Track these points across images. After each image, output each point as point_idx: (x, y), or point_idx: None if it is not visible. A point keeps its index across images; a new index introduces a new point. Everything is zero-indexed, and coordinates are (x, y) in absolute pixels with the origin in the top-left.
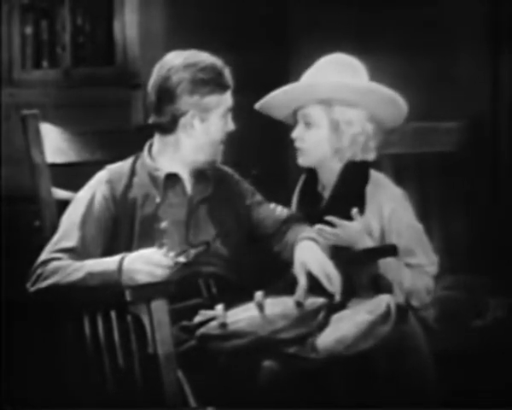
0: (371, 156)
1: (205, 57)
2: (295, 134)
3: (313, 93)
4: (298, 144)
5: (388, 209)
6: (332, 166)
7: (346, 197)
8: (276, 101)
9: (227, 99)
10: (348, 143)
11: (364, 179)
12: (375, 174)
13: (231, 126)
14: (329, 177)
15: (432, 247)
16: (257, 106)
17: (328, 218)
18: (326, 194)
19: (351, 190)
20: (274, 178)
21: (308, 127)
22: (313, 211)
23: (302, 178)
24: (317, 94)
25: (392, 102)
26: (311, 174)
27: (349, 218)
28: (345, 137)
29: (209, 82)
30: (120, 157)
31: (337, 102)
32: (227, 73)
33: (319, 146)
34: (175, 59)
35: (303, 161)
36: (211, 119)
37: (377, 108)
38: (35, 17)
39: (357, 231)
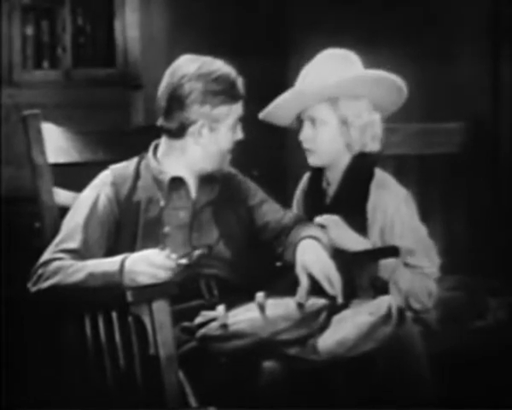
0: (378, 146)
1: (219, 67)
2: (304, 136)
3: (319, 95)
4: (307, 145)
5: (392, 208)
6: (341, 161)
7: (351, 194)
8: (279, 109)
9: (238, 109)
10: (358, 134)
11: (369, 176)
12: (380, 173)
13: (240, 135)
14: (336, 173)
15: (436, 250)
16: (260, 116)
17: (320, 219)
18: (331, 191)
19: (355, 186)
20: (274, 179)
21: (316, 127)
22: (317, 208)
23: (306, 176)
24: (323, 95)
25: (394, 86)
26: (317, 172)
27: (353, 215)
28: (354, 130)
29: (221, 93)
30: (122, 157)
31: (343, 97)
32: (240, 84)
33: (331, 144)
34: (189, 66)
35: (314, 161)
36: (220, 129)
37: (381, 95)
38: (36, 18)
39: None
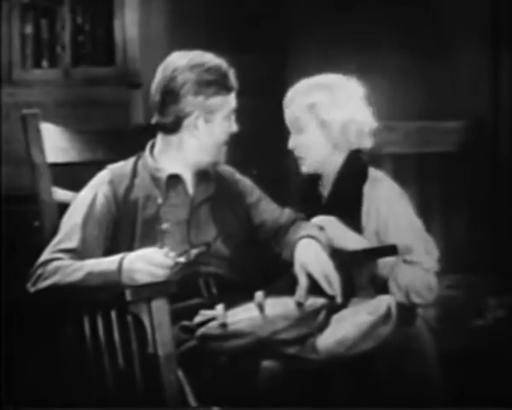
0: (368, 143)
1: (210, 58)
2: (291, 144)
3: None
4: (297, 153)
5: (385, 207)
6: (333, 162)
7: (344, 196)
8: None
9: (231, 100)
10: (339, 133)
11: (363, 176)
12: (373, 172)
13: (234, 128)
14: (330, 174)
15: (434, 243)
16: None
17: (317, 220)
18: (325, 192)
19: (349, 188)
20: (274, 178)
21: (300, 134)
22: (313, 210)
23: (303, 179)
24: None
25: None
26: (313, 176)
27: (348, 215)
28: (335, 129)
29: (214, 83)
30: (121, 157)
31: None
32: (231, 75)
33: (317, 148)
34: (180, 60)
35: (307, 168)
36: (215, 120)
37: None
38: (35, 16)
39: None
